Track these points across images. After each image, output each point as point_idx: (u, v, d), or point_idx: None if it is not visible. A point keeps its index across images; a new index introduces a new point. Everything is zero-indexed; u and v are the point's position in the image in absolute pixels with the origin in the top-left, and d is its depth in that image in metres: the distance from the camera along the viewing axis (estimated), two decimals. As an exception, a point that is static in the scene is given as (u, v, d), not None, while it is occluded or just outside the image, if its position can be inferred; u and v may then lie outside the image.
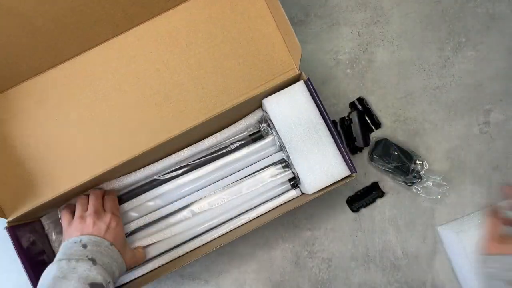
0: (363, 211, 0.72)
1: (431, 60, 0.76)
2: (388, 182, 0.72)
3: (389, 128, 0.74)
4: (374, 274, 0.71)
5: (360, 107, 0.73)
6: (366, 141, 0.71)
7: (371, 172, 0.73)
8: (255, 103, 0.61)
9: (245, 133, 0.64)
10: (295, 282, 0.69)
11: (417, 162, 0.71)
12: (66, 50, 0.57)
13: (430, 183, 0.71)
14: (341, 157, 0.56)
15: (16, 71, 0.57)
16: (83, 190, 0.60)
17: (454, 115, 0.75)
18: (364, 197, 0.71)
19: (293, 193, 0.63)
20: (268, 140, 0.63)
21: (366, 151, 0.73)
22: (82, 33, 0.56)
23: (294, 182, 0.64)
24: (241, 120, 0.63)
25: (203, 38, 0.58)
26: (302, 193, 0.64)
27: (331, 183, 0.56)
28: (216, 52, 0.58)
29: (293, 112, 0.57)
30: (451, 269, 0.71)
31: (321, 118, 0.57)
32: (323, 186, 0.56)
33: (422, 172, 0.71)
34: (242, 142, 0.64)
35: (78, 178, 0.56)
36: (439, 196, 0.71)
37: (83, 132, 0.58)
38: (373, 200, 0.71)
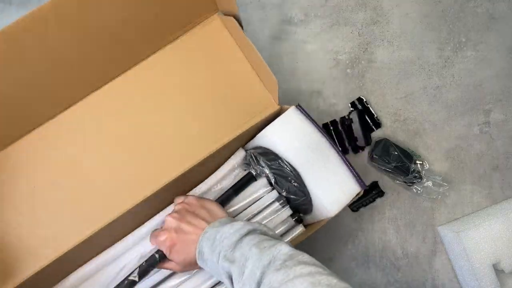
0: (363, 211, 0.72)
1: (431, 60, 0.76)
2: (388, 182, 0.72)
3: (389, 128, 0.74)
4: (374, 274, 0.71)
5: (360, 107, 0.73)
6: (368, 140, 0.72)
7: (371, 172, 0.73)
8: (237, 145, 0.60)
9: (230, 179, 0.61)
10: (295, 282, 0.69)
11: (417, 162, 0.71)
12: (35, 117, 0.55)
13: (430, 183, 0.71)
14: (351, 174, 0.55)
15: None
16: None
17: (454, 115, 0.75)
18: (363, 196, 0.71)
19: (300, 229, 0.59)
20: (261, 180, 0.59)
21: (367, 150, 0.73)
22: (52, 97, 0.54)
23: (298, 217, 0.59)
24: (223, 165, 0.60)
25: (179, 86, 0.58)
26: (306, 226, 0.60)
27: (349, 201, 0.54)
28: (195, 98, 0.57)
29: (296, 137, 0.55)
30: (451, 269, 0.71)
31: (323, 137, 0.56)
32: (345, 204, 0.54)
33: (422, 172, 0.71)
34: (231, 188, 0.59)
35: (57, 250, 0.51)
36: (439, 196, 0.71)
37: (55, 200, 0.54)
38: (373, 200, 0.71)
